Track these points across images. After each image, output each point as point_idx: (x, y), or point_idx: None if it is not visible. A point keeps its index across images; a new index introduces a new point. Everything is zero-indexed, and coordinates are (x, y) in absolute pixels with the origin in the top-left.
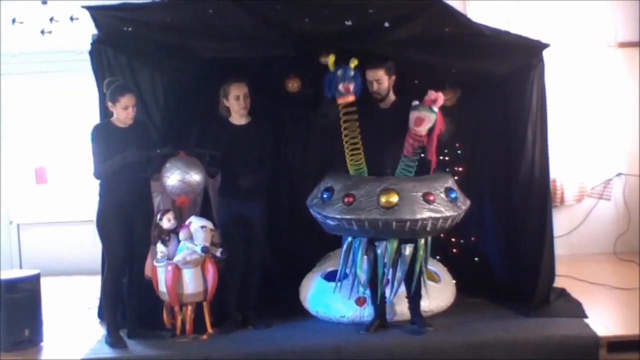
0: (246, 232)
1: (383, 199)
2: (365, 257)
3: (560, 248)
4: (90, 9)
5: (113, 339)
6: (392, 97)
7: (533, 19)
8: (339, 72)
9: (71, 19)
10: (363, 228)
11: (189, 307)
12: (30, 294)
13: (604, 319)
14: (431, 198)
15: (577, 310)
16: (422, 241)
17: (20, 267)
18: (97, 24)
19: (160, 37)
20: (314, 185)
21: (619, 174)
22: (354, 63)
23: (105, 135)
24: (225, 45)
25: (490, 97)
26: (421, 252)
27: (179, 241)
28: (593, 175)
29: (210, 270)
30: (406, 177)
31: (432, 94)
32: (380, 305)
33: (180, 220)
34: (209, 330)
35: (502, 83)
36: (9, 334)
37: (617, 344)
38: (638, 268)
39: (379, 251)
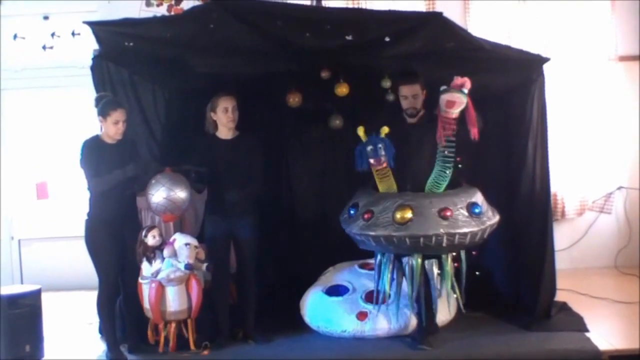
0: (238, 249)
1: (398, 215)
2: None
3: (561, 262)
4: (91, 24)
5: (113, 355)
6: (421, 111)
7: (534, 33)
8: (369, 149)
9: (73, 34)
10: (381, 244)
11: (173, 324)
12: (31, 310)
13: (606, 333)
14: (447, 214)
15: (578, 324)
16: (448, 257)
17: (22, 283)
18: (99, 39)
19: (162, 52)
20: (315, 201)
21: (619, 188)
22: (384, 132)
23: (95, 150)
24: (226, 60)
25: (491, 111)
26: (447, 268)
27: (163, 258)
28: (594, 188)
29: (195, 288)
30: (424, 193)
31: (458, 79)
32: (421, 316)
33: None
34: (192, 347)
35: (502, 97)
36: (9, 349)
37: (618, 358)
38: (639, 282)
39: (405, 267)
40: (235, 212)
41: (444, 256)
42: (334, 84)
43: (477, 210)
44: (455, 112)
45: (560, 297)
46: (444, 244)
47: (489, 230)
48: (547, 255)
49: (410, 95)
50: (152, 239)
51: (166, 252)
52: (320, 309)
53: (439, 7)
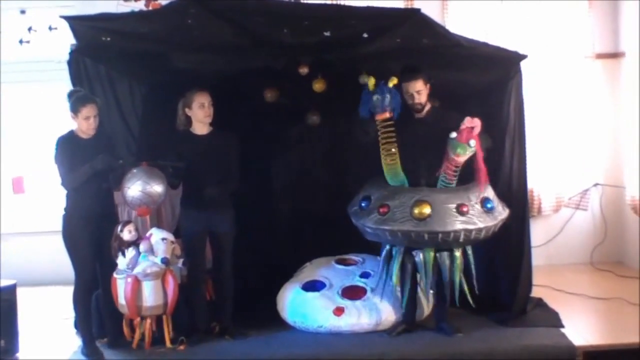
0: (214, 244)
1: (416, 211)
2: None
3: (537, 258)
4: (68, 19)
5: (89, 350)
6: (427, 105)
7: (511, 31)
8: (375, 98)
9: (50, 28)
10: (397, 238)
11: (148, 320)
12: (6, 305)
13: (581, 329)
14: (465, 209)
15: (554, 320)
16: (459, 251)
17: None
18: (76, 34)
19: (139, 48)
20: (292, 197)
21: (595, 184)
22: (392, 82)
23: (69, 146)
24: (204, 56)
25: (468, 108)
26: (458, 261)
27: (139, 253)
28: (570, 185)
29: (171, 283)
30: (440, 189)
31: (468, 121)
32: (409, 309)
33: (142, 231)
34: (168, 344)
35: (480, 94)
36: None
37: (593, 354)
38: (614, 278)
39: (417, 259)
40: (211, 207)
41: (457, 250)
42: (311, 80)
43: (489, 205)
44: (461, 161)
45: (536, 293)
46: (461, 240)
47: (500, 225)
48: (524, 251)
49: (415, 92)
50: (127, 234)
51: (142, 247)
52: (297, 305)
53: (417, 5)
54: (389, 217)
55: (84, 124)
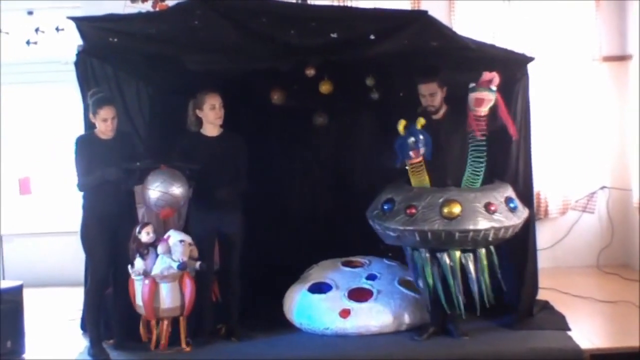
0: (223, 244)
1: (446, 210)
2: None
3: (543, 261)
4: (75, 19)
5: (96, 351)
6: (444, 107)
7: (518, 33)
8: (411, 140)
9: (57, 29)
10: (426, 239)
11: (165, 322)
12: (12, 306)
13: (587, 332)
14: (493, 208)
15: (560, 323)
16: (483, 251)
17: (3, 279)
18: (83, 35)
19: (146, 49)
20: (299, 198)
21: (602, 187)
22: (420, 123)
23: (88, 147)
24: (210, 57)
25: None
26: (485, 262)
27: (157, 255)
28: (577, 188)
29: (188, 285)
30: (467, 188)
31: (486, 75)
32: (436, 313)
33: (163, 233)
34: (183, 345)
35: None
36: None
37: (600, 357)
38: (621, 281)
39: (443, 261)
40: (220, 208)
41: (480, 250)
42: (318, 81)
43: (512, 205)
44: (484, 110)
45: (542, 296)
46: (490, 238)
47: (521, 225)
48: (530, 254)
49: (428, 94)
50: (146, 236)
51: (160, 248)
52: (303, 307)
53: (424, 7)
54: (418, 217)
55: (102, 126)
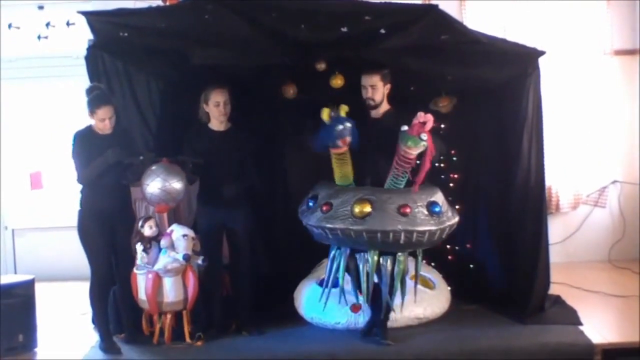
0: (231, 240)
1: (357, 209)
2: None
3: (555, 255)
4: (86, 14)
5: (106, 345)
6: (385, 106)
7: (529, 27)
8: (339, 128)
9: (67, 24)
10: (338, 237)
11: (168, 316)
12: (24, 300)
13: (599, 327)
14: (407, 210)
15: (572, 318)
16: (402, 256)
17: (15, 273)
18: (93, 30)
19: (156, 43)
20: (309, 191)
21: (614, 182)
22: (344, 110)
23: (86, 141)
24: (221, 51)
25: (486, 105)
26: (401, 266)
27: (159, 249)
28: (588, 182)
29: (191, 279)
30: (385, 189)
31: (421, 116)
32: (378, 312)
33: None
34: (187, 339)
35: (498, 90)
36: (3, 339)
37: (612, 352)
38: (633, 275)
39: (360, 263)
40: (228, 203)
41: (399, 254)
42: (329, 76)
43: (436, 209)
44: (413, 154)
45: (554, 290)
46: (402, 241)
47: (447, 231)
48: (542, 248)
49: (369, 85)
50: (148, 230)
51: (163, 242)
52: (314, 301)
53: (434, 1)
54: (331, 214)
55: (100, 125)
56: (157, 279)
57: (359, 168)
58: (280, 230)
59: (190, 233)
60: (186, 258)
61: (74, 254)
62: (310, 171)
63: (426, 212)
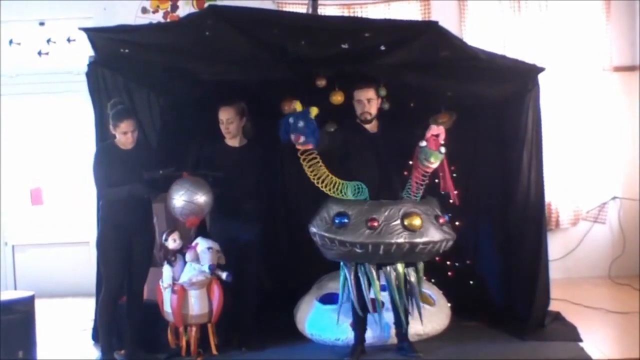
0: (240, 255)
1: (406, 222)
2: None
3: (555, 271)
4: (87, 30)
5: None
6: (375, 120)
7: (529, 43)
8: (291, 119)
9: (68, 40)
10: (389, 252)
11: (194, 328)
12: (24, 316)
13: (599, 343)
14: (442, 221)
15: (572, 334)
16: (402, 266)
17: (15, 289)
18: (94, 46)
19: (157, 59)
20: (310, 208)
21: (614, 198)
22: (314, 112)
23: (107, 156)
24: (222, 67)
25: (486, 121)
26: (421, 274)
27: (184, 262)
28: (588, 198)
29: (216, 292)
30: (390, 202)
31: (434, 130)
32: (362, 330)
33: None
34: (214, 352)
35: (497, 106)
36: (3, 355)
37: None
38: (633, 292)
39: (389, 275)
40: (240, 218)
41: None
42: (329, 92)
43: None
44: (432, 168)
45: (554, 306)
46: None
47: (445, 244)
48: (541, 264)
49: (365, 99)
50: (172, 243)
51: (188, 256)
52: (314, 317)
53: (434, 17)
54: (382, 230)
55: (122, 138)
56: (182, 292)
57: (372, 183)
58: (281, 245)
59: (215, 246)
60: (212, 269)
61: (74, 270)
62: (310, 186)
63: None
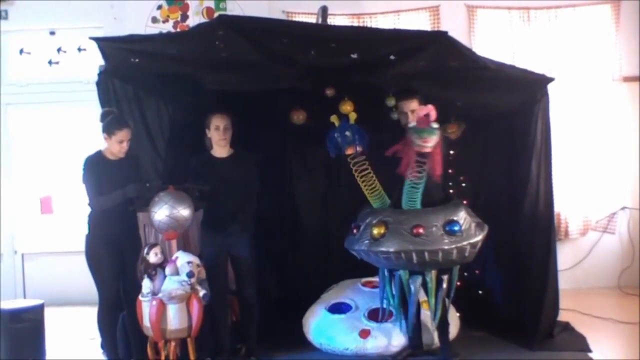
0: (235, 267)
1: (375, 231)
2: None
3: (564, 282)
4: (97, 40)
5: None
6: None
7: (538, 53)
8: (348, 133)
9: (79, 49)
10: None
11: (173, 343)
12: (34, 324)
13: (608, 353)
14: (419, 231)
15: (581, 344)
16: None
17: (25, 297)
18: (105, 55)
19: (167, 69)
20: (318, 218)
21: (623, 208)
22: (353, 117)
23: (97, 167)
24: (232, 77)
25: (495, 131)
26: (430, 285)
27: (164, 276)
28: (597, 208)
29: (195, 306)
30: (404, 210)
31: (423, 109)
32: (416, 334)
33: (169, 254)
34: None
35: (506, 116)
36: None
37: None
38: None
39: (425, 282)
40: (230, 230)
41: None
42: (338, 101)
43: (455, 228)
44: (429, 147)
45: (563, 317)
46: (415, 261)
47: (468, 248)
48: (550, 275)
49: (409, 111)
50: (154, 257)
51: (168, 270)
52: (323, 327)
53: (443, 27)
54: (357, 238)
55: (116, 147)
56: (161, 306)
57: (393, 190)
58: (289, 254)
59: (195, 260)
60: (190, 275)
61: (83, 279)
62: (318, 195)
63: (442, 232)
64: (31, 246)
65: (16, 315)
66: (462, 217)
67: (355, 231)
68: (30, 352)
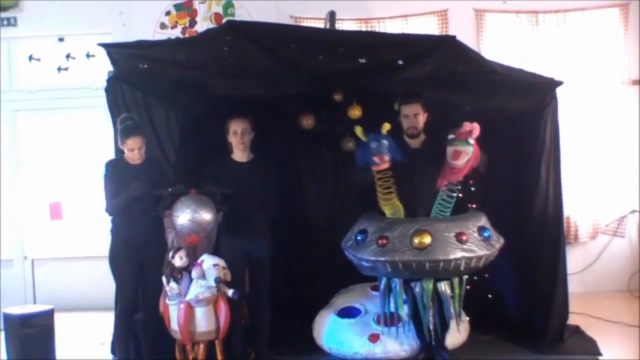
0: (253, 270)
1: (416, 240)
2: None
3: (574, 285)
4: (106, 46)
5: None
6: (422, 135)
7: (547, 57)
8: (373, 145)
9: (87, 56)
10: (397, 269)
11: (201, 345)
12: (43, 329)
13: (618, 357)
14: (464, 238)
15: (591, 348)
16: (457, 279)
17: (34, 302)
18: (113, 61)
19: (176, 75)
20: (327, 223)
21: (633, 211)
22: (386, 128)
23: (117, 171)
24: (240, 82)
25: (504, 134)
26: (457, 290)
27: (191, 279)
28: (607, 212)
29: (223, 309)
30: (439, 218)
31: (467, 126)
32: (425, 340)
33: (194, 257)
34: None
35: (515, 120)
36: None
37: None
38: None
39: (416, 291)
40: (250, 233)
41: (455, 278)
42: (347, 106)
43: (486, 234)
44: (461, 163)
45: (573, 320)
46: (462, 268)
47: (495, 254)
48: (560, 278)
49: (412, 114)
50: (179, 260)
51: (194, 273)
52: (332, 331)
53: (452, 31)
54: (389, 248)
55: (129, 154)
56: (189, 309)
57: (408, 199)
58: (299, 258)
59: (221, 262)
60: (218, 281)
61: (93, 284)
62: (328, 199)
63: (479, 237)
64: (41, 252)
65: (26, 320)
66: (488, 223)
67: (381, 242)
68: (40, 357)
